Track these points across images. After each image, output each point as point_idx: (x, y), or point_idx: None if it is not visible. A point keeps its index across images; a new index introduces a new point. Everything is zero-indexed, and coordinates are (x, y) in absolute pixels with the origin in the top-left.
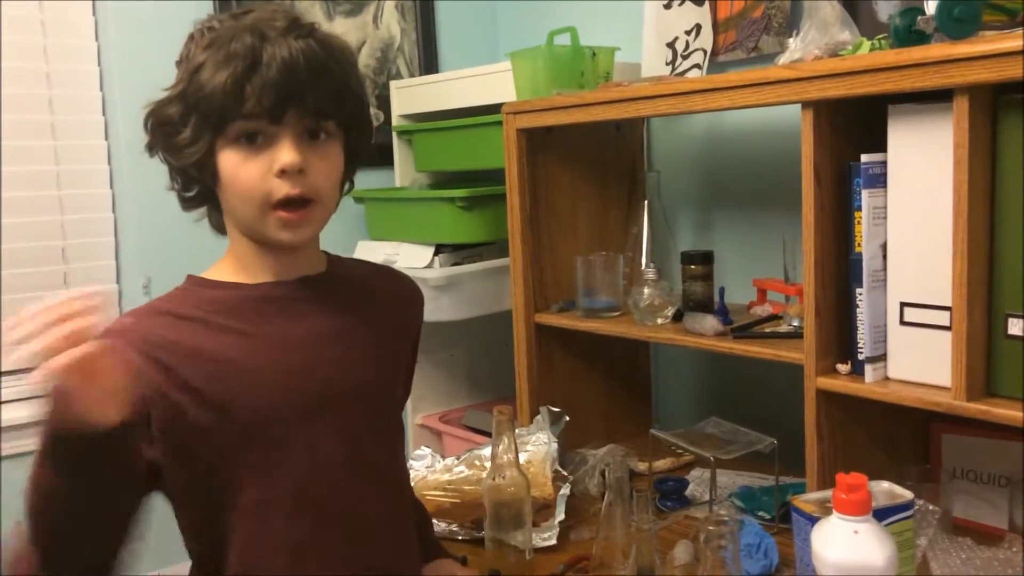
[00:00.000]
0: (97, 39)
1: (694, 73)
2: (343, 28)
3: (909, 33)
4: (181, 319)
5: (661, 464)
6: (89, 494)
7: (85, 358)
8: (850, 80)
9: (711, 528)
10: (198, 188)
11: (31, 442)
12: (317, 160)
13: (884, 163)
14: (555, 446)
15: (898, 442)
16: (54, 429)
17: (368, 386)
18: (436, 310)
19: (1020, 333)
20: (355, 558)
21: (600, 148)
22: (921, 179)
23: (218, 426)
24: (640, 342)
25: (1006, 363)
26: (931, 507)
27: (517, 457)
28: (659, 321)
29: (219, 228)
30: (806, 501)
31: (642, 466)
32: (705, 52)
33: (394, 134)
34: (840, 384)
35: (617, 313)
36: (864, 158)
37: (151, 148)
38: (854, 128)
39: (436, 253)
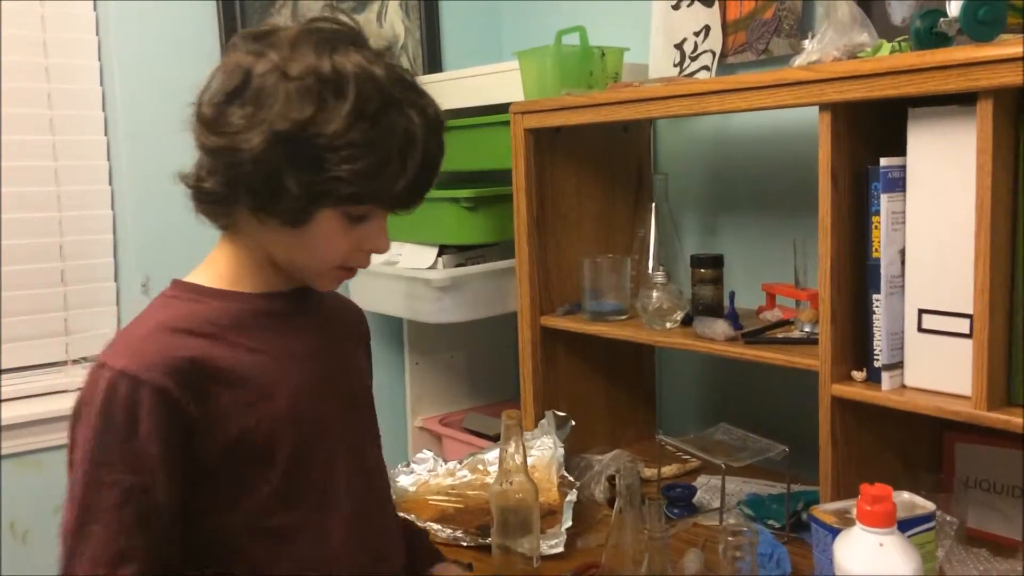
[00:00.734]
0: (98, 34)
1: (703, 75)
2: None
3: (930, 35)
4: (195, 336)
5: (667, 470)
6: None
7: None
8: (871, 82)
9: (730, 539)
10: (241, 199)
11: (31, 441)
12: None
13: (903, 167)
14: (561, 451)
15: (911, 450)
16: None
17: (359, 395)
18: (439, 311)
19: None
20: (375, 570)
21: (607, 149)
22: (941, 184)
23: (241, 448)
24: (645, 346)
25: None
26: (948, 518)
27: (526, 462)
28: (668, 325)
29: (223, 226)
30: (825, 511)
31: (648, 472)
32: (714, 54)
33: None
34: (856, 392)
35: (624, 317)
36: (883, 162)
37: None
38: (871, 131)
39: (440, 254)
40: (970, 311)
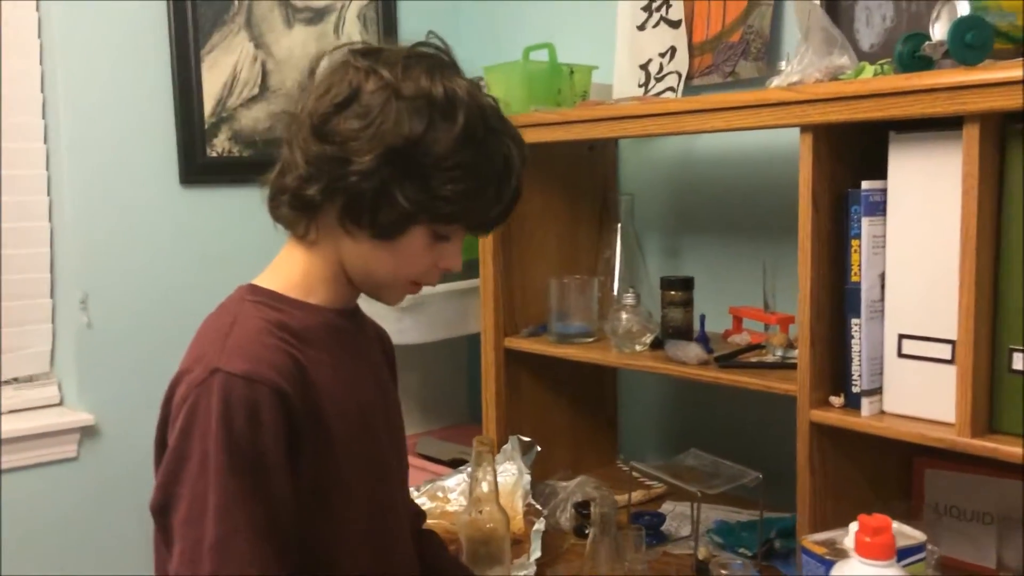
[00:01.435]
0: (40, 36)
1: (668, 96)
2: (303, 36)
3: (912, 59)
4: (291, 344)
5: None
6: None
7: None
8: (855, 104)
9: (723, 572)
10: (335, 208)
11: (32, 455)
12: None
13: (884, 191)
14: (527, 478)
15: (882, 477)
16: None
17: (399, 417)
18: (399, 332)
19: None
20: None
21: (572, 169)
22: (922, 208)
23: (318, 460)
24: (607, 370)
25: (1009, 399)
26: (929, 547)
27: (496, 490)
28: (637, 348)
29: (302, 234)
30: (815, 542)
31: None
32: (680, 75)
33: None
34: (835, 417)
35: (591, 339)
36: (865, 185)
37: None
38: (851, 154)
39: None
40: (951, 336)
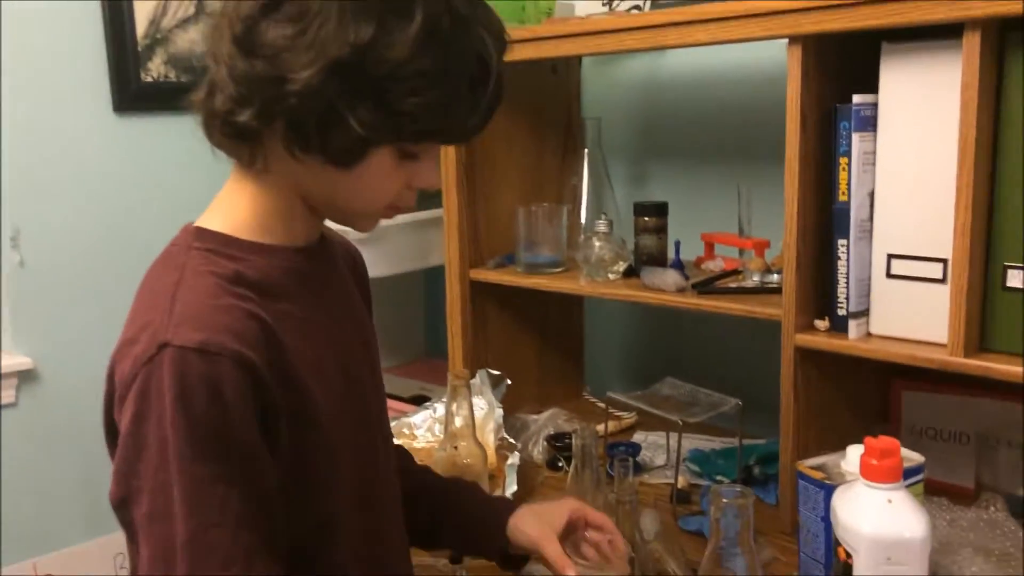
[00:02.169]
0: None
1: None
2: None
3: None
4: (252, 300)
5: (602, 428)
6: None
7: None
8: (851, 12)
9: (725, 500)
10: (277, 134)
11: None
12: None
13: (875, 105)
14: (499, 412)
15: (861, 401)
16: None
17: (376, 353)
18: None
19: (1020, 285)
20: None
21: (535, 93)
22: (915, 122)
23: (299, 433)
24: (575, 301)
25: (1003, 317)
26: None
27: (474, 425)
28: (610, 277)
29: (249, 163)
30: (812, 467)
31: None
32: None
33: None
34: (821, 341)
35: (560, 269)
36: (856, 99)
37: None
38: (838, 69)
39: None
40: (943, 255)
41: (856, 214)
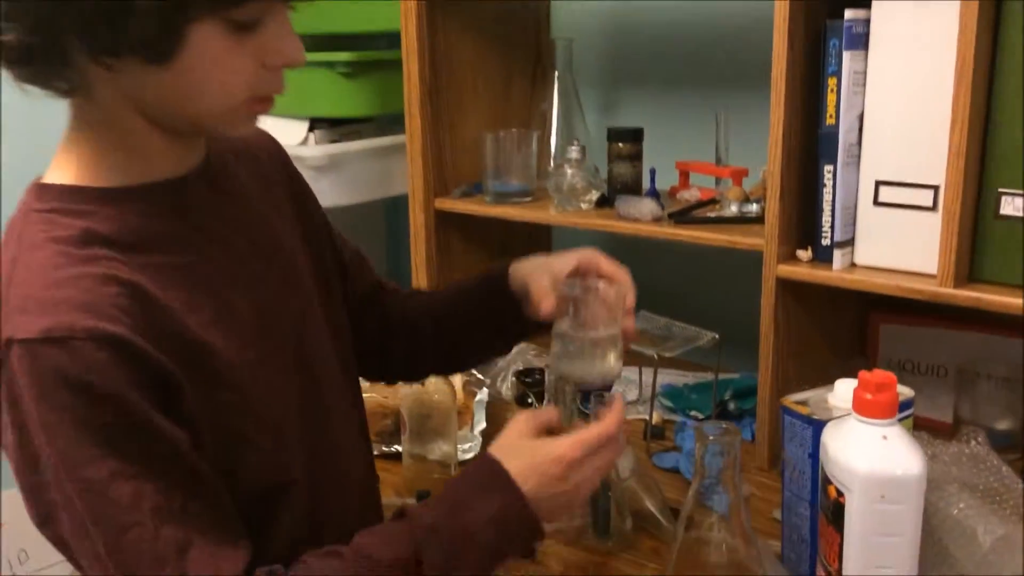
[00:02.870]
0: None
1: None
2: None
3: None
4: (109, 260)
5: None
6: None
7: None
8: None
9: (711, 438)
10: (71, 44)
11: None
12: None
13: (867, 21)
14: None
15: (839, 334)
16: None
17: (313, 276)
18: (316, 195)
19: (1014, 212)
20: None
21: (503, 11)
22: (909, 40)
23: (205, 392)
24: (542, 231)
25: (996, 246)
26: None
27: None
28: (583, 206)
29: (66, 90)
30: (797, 402)
31: None
32: None
33: None
34: (804, 272)
35: (529, 198)
36: (848, 15)
37: None
38: None
39: (311, 128)
40: (934, 182)
41: (845, 138)
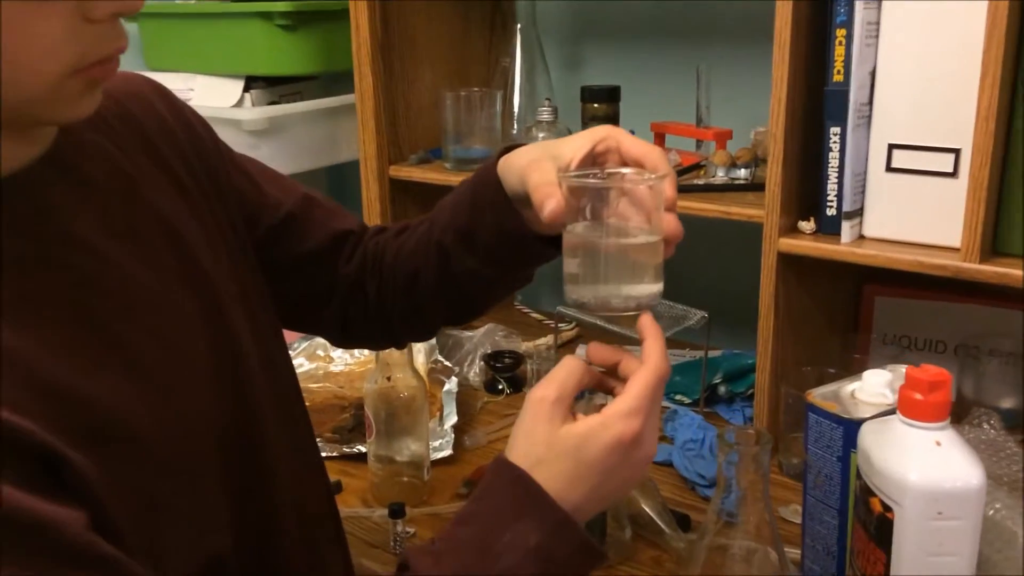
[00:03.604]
0: None
1: None
2: None
3: None
4: None
5: (541, 342)
6: None
7: None
8: None
9: (742, 447)
10: None
11: None
12: None
13: None
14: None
15: (835, 308)
16: None
17: (215, 261)
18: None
19: None
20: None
21: None
22: None
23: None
24: None
25: (1020, 216)
26: None
27: (411, 352)
28: None
29: None
30: (822, 397)
31: (525, 345)
32: None
33: None
34: (809, 246)
35: None
36: None
37: None
38: None
39: (247, 88)
40: (955, 145)
41: (854, 97)
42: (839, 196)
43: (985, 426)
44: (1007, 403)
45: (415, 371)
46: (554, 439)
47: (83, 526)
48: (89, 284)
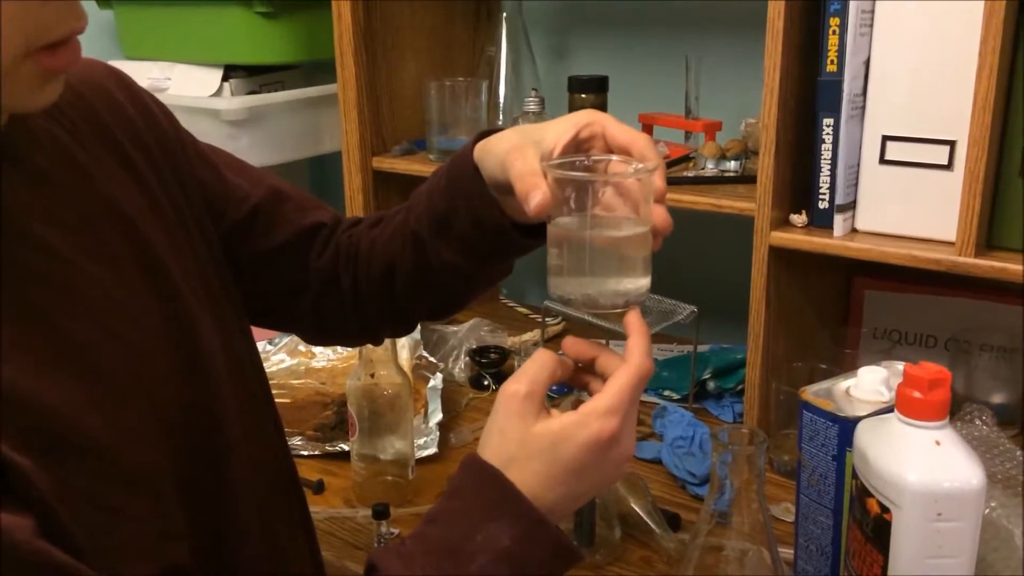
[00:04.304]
0: None
1: None
2: None
3: None
4: None
5: (527, 337)
6: None
7: None
8: None
9: (736, 447)
10: None
11: None
12: None
13: None
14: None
15: (825, 301)
16: None
17: (167, 266)
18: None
19: None
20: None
21: None
22: None
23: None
24: None
25: (1017, 209)
26: None
27: (395, 348)
28: None
29: None
30: (816, 394)
31: (511, 340)
32: None
33: None
34: (801, 240)
35: None
36: None
37: None
38: None
39: (225, 78)
40: (950, 136)
41: (849, 87)
42: (832, 189)
43: (977, 422)
44: (999, 398)
45: (399, 367)
46: (528, 437)
47: (31, 532)
48: (38, 280)
